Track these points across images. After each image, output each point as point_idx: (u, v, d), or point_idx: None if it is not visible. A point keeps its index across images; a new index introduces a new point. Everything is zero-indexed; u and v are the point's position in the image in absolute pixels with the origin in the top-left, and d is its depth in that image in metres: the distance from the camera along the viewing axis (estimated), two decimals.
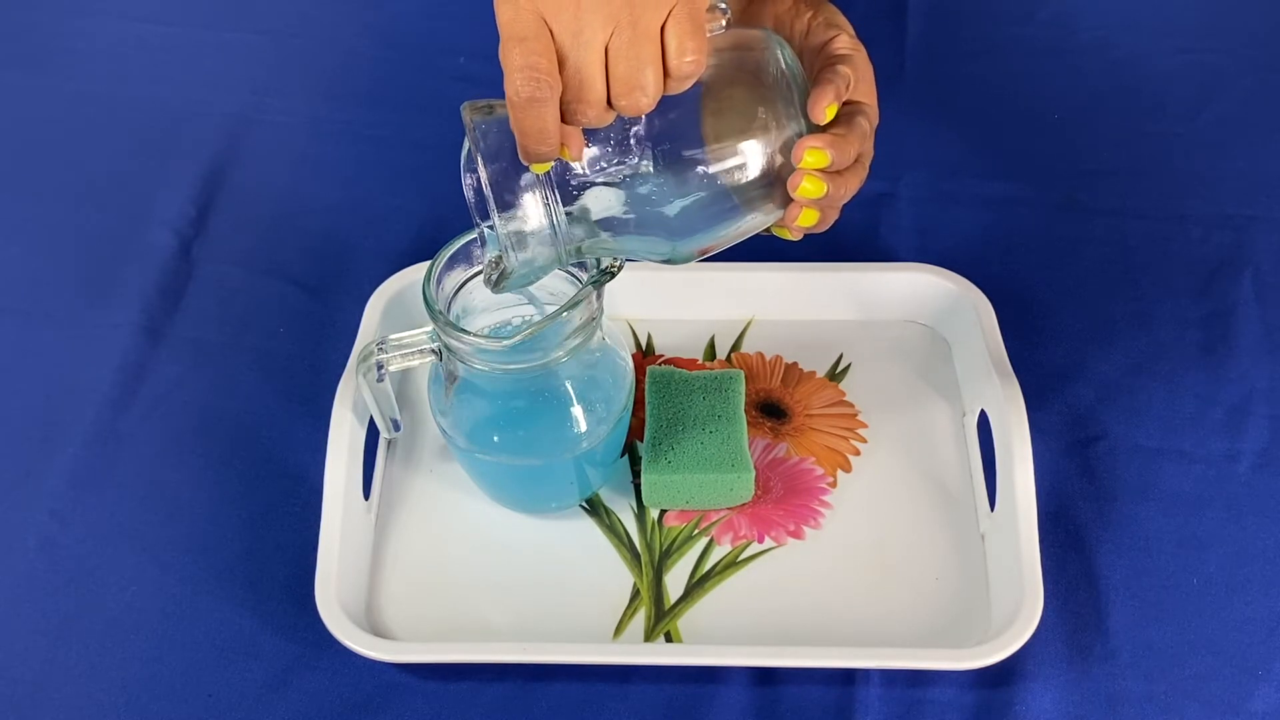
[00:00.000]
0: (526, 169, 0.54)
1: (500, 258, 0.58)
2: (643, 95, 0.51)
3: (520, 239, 0.55)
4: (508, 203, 0.55)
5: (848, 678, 0.64)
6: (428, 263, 0.63)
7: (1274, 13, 0.97)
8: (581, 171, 0.55)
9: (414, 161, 0.89)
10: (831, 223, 0.59)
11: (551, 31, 0.50)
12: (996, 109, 0.92)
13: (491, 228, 0.56)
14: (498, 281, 0.59)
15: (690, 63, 0.51)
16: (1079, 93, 0.92)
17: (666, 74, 0.52)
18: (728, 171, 0.56)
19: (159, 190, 0.87)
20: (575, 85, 0.51)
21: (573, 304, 0.60)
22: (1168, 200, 0.85)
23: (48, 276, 0.83)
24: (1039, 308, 0.79)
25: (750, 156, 0.56)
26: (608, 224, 0.57)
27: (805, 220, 0.57)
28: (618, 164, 0.55)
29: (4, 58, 0.98)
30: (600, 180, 0.56)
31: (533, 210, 0.55)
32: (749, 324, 0.79)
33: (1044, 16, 0.98)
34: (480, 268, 0.65)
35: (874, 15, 0.97)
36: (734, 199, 0.57)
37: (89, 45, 0.98)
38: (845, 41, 0.59)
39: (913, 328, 0.79)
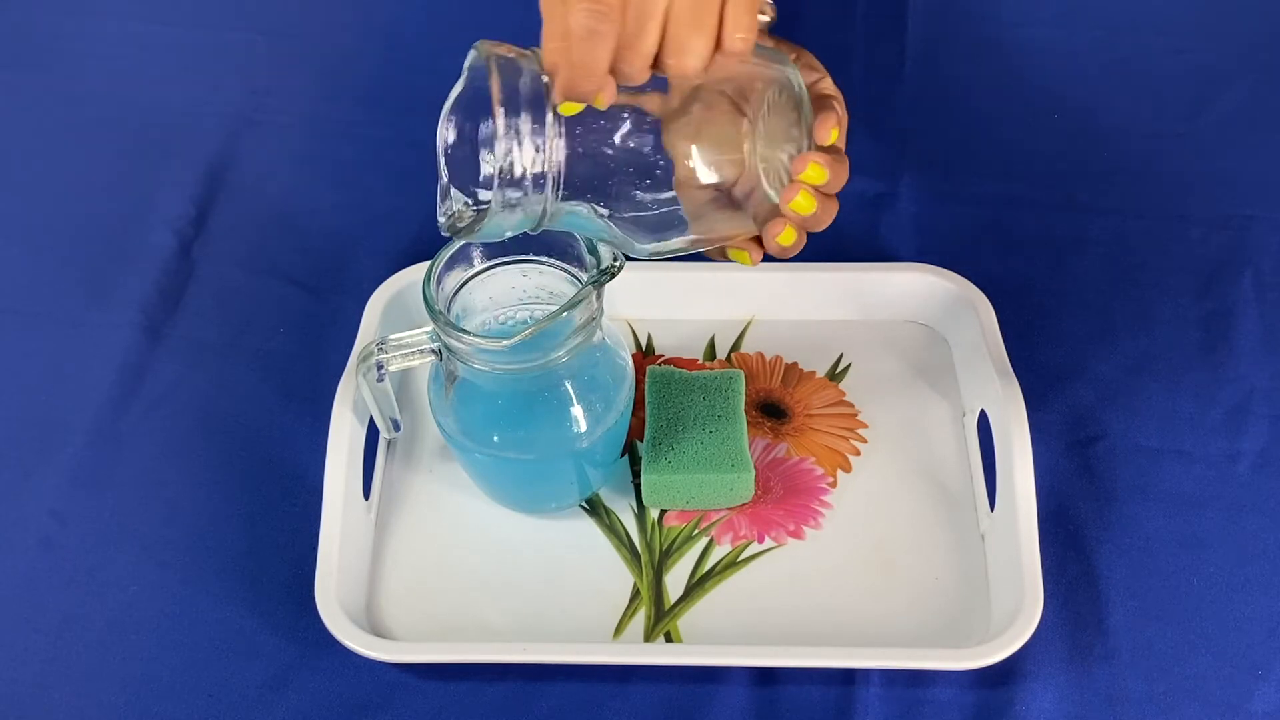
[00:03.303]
0: (538, 114, 0.52)
1: (465, 206, 0.56)
2: (692, 59, 0.52)
3: (515, 183, 0.53)
4: (512, 144, 0.53)
5: (848, 678, 0.64)
6: (428, 263, 0.63)
7: (1274, 13, 0.97)
8: (592, 133, 0.54)
9: (414, 161, 0.88)
10: (793, 253, 0.59)
11: None
12: (996, 109, 0.92)
13: (455, 174, 0.55)
14: (467, 227, 0.56)
15: (741, 40, 0.52)
16: (1079, 93, 0.92)
17: (717, 47, 0.52)
18: (723, 174, 0.56)
19: (159, 190, 0.87)
20: (632, 31, 0.51)
21: (573, 304, 0.60)
22: (1168, 200, 0.85)
23: (48, 276, 0.83)
24: (1039, 308, 0.79)
25: (743, 166, 0.56)
26: (590, 194, 0.56)
27: (785, 238, 0.58)
28: (623, 136, 0.55)
29: (4, 58, 0.98)
30: (600, 149, 0.55)
31: (533, 156, 0.53)
32: (749, 324, 0.79)
33: (1044, 16, 0.97)
34: (481, 268, 0.65)
35: (874, 15, 0.97)
36: (717, 204, 0.57)
37: (89, 45, 0.98)
38: (830, 84, 0.60)
39: (913, 328, 0.79)
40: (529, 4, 0.53)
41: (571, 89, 0.52)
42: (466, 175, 0.57)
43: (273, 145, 0.91)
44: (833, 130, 0.56)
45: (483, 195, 0.57)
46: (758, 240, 0.60)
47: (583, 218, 0.57)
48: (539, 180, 0.53)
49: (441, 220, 0.57)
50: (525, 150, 0.52)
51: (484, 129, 0.56)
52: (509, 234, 0.57)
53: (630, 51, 0.51)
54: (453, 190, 0.57)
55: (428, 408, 0.69)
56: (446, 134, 0.56)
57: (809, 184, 0.56)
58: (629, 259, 0.60)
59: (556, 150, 0.53)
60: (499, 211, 0.54)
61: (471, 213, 0.57)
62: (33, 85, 0.96)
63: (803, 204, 0.56)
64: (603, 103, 0.52)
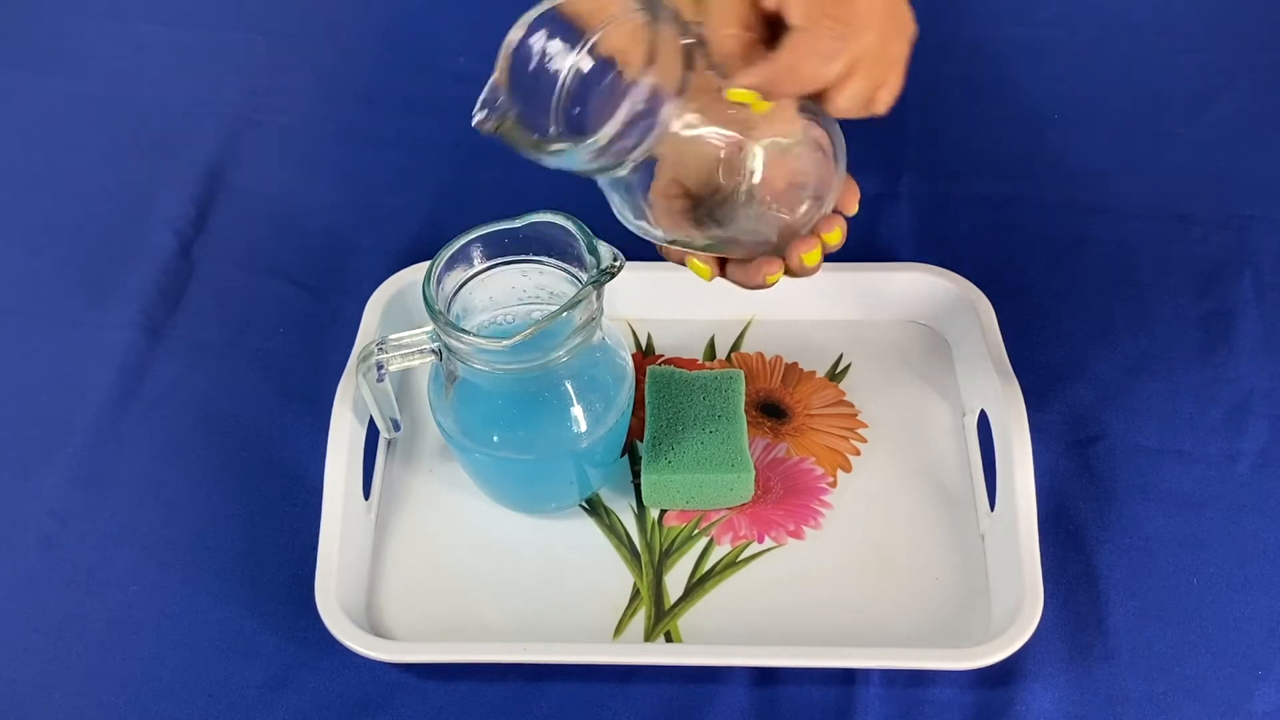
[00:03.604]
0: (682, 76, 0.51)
1: (512, 116, 0.53)
2: (852, 103, 0.53)
3: (633, 129, 0.50)
4: (655, 93, 0.50)
5: (848, 678, 0.64)
6: (428, 263, 0.63)
7: (1274, 13, 0.97)
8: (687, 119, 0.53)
9: (414, 161, 0.89)
10: (766, 289, 0.62)
11: None
12: (996, 109, 0.92)
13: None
14: (533, 144, 0.52)
15: (884, 104, 0.54)
16: (1079, 93, 0.92)
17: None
18: (767, 203, 0.57)
19: (159, 190, 0.87)
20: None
21: (573, 304, 0.60)
22: (1168, 200, 0.85)
23: (48, 276, 0.83)
24: (1039, 308, 0.79)
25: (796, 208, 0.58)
26: (647, 165, 0.55)
27: (774, 278, 0.60)
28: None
29: (4, 58, 0.98)
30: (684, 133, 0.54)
31: (662, 112, 0.51)
32: (749, 324, 0.79)
33: (1044, 16, 0.98)
34: (481, 268, 0.64)
35: None
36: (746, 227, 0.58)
37: (89, 45, 0.98)
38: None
39: (913, 328, 0.79)
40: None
41: (773, 88, 0.52)
42: (535, 87, 0.54)
43: (273, 145, 0.91)
44: (856, 204, 0.59)
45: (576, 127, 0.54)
46: (719, 262, 0.62)
47: (617, 178, 0.55)
48: (646, 135, 0.51)
49: (484, 120, 0.53)
50: (655, 104, 0.50)
51: (604, 63, 0.54)
52: (560, 166, 0.53)
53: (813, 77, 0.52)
54: (512, 101, 0.53)
55: (428, 408, 0.69)
56: (537, 42, 0.53)
57: (826, 242, 0.59)
58: (629, 259, 0.60)
59: (677, 116, 0.52)
60: (597, 146, 0.50)
61: (513, 121, 0.53)
62: (33, 85, 0.96)
63: (813, 258, 0.59)
64: (765, 107, 0.53)
